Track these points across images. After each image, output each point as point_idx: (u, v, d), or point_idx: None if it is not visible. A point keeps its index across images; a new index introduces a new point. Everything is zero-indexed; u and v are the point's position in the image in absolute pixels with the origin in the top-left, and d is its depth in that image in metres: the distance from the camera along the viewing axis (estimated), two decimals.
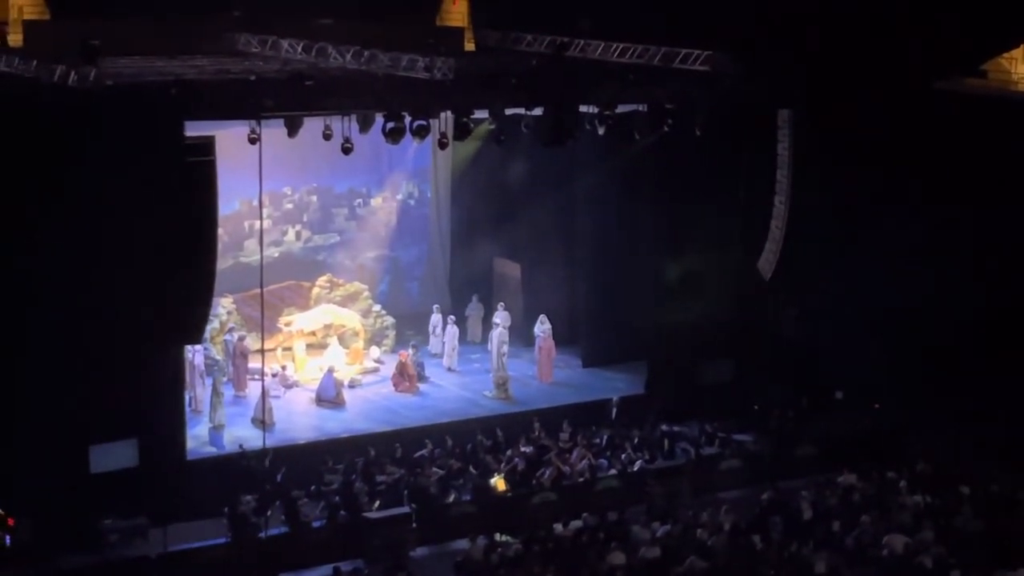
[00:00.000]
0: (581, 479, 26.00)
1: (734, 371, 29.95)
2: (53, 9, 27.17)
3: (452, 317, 31.68)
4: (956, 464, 25.48)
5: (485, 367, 30.77)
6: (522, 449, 26.56)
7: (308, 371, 30.03)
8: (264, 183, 25.29)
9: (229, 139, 25.19)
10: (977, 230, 27.78)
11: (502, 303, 31.28)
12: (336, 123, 25.36)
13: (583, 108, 27.15)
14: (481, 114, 26.90)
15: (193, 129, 23.74)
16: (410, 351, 30.30)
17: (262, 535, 23.43)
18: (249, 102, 23.85)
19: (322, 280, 32.13)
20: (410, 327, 32.76)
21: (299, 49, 25.23)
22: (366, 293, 32.55)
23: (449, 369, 31.16)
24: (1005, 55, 28.43)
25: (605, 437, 27.55)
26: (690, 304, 29.27)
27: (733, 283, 29.55)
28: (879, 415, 28.99)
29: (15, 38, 26.28)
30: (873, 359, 28.66)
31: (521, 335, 31.72)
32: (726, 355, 29.87)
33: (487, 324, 31.64)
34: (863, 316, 28.52)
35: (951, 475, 24.83)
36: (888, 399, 28.91)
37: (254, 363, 28.67)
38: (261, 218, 27.33)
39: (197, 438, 26.29)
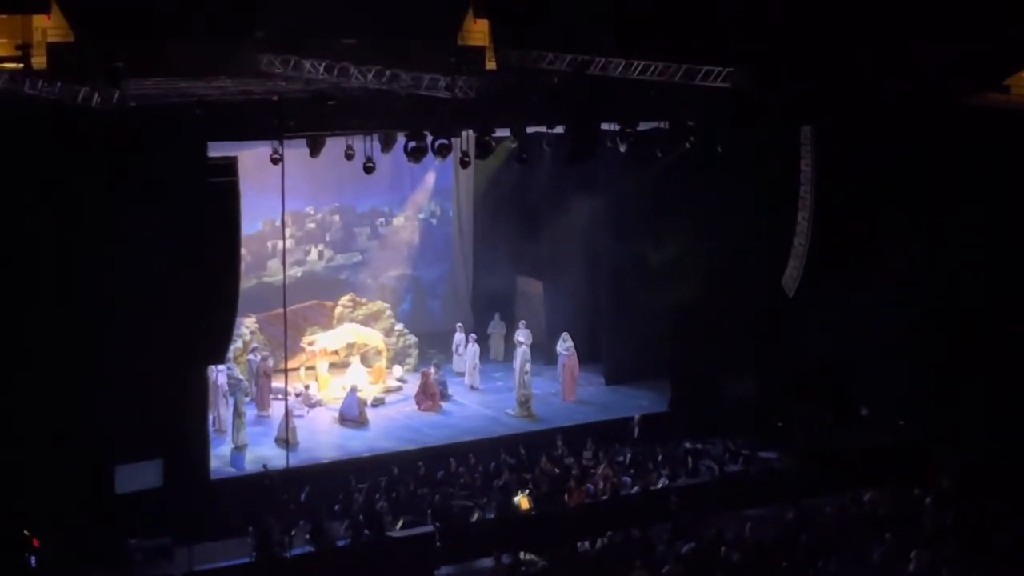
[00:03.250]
0: (605, 497, 25.95)
1: (758, 388, 29.87)
2: (77, 31, 27.25)
3: (474, 335, 31.68)
4: (981, 480, 25.31)
5: (508, 385, 30.75)
6: (545, 467, 26.53)
7: (331, 390, 30.06)
8: (287, 203, 25.41)
9: (252, 159, 25.31)
10: (1002, 245, 27.63)
11: (524, 321, 31.27)
12: (358, 143, 25.49)
13: (605, 126, 27.14)
14: (503, 133, 26.92)
15: (216, 149, 23.83)
16: (433, 370, 30.31)
17: (286, 554, 23.42)
18: (272, 122, 23.89)
19: (345, 299, 32.20)
20: (432, 346, 32.77)
21: (321, 69, 25.28)
22: (388, 312, 32.60)
23: (472, 387, 31.16)
24: None
25: (629, 455, 27.50)
26: (713, 321, 29.24)
27: (756, 300, 29.48)
28: (904, 431, 28.85)
29: (39, 60, 26.31)
30: (898, 375, 28.52)
31: (543, 353, 31.71)
32: (750, 372, 29.79)
33: (509, 342, 31.62)
34: (888, 332, 28.38)
35: (976, 491, 24.69)
36: (913, 415, 28.77)
37: (277, 383, 28.74)
38: (284, 238, 27.43)
39: (221, 458, 26.34)
